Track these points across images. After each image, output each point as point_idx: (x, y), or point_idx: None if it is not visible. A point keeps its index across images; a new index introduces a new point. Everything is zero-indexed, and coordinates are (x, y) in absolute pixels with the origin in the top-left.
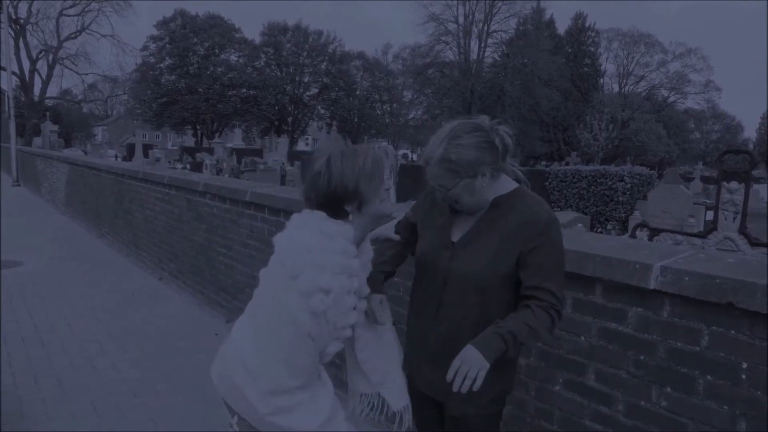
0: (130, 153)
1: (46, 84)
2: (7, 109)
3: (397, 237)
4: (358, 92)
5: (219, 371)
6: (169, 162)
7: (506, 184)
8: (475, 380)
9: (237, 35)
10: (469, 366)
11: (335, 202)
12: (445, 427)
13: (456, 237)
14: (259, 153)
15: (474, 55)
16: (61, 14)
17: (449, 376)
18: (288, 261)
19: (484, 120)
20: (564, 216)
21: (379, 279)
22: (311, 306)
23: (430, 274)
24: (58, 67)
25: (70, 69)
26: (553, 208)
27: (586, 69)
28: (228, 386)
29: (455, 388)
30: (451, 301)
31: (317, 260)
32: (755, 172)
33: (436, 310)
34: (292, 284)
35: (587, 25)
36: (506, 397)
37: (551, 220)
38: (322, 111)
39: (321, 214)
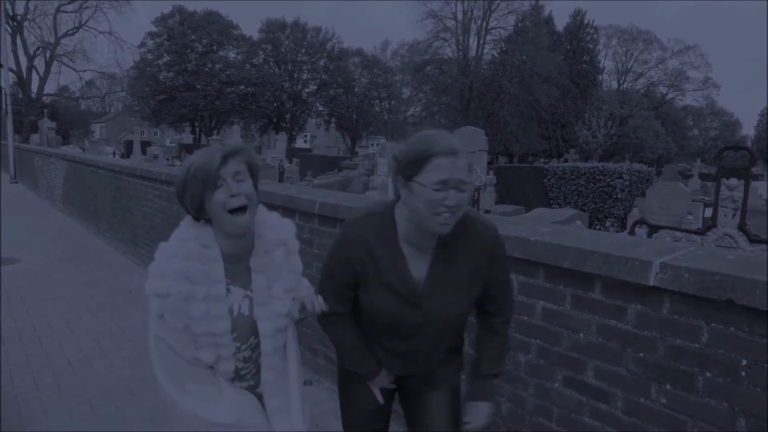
0: (128, 150)
1: (43, 81)
2: (4, 106)
3: (324, 306)
4: (356, 89)
5: None
6: (167, 159)
7: None
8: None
9: (235, 32)
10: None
11: (184, 206)
12: (411, 398)
13: (417, 280)
14: (257, 150)
15: (473, 52)
16: (58, 11)
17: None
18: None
19: None
20: (562, 213)
21: (370, 363)
22: (153, 309)
23: (396, 325)
24: (55, 64)
25: (68, 66)
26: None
27: (584, 66)
28: None
29: None
30: (429, 343)
31: (159, 267)
32: (754, 169)
33: (414, 353)
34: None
35: (586, 22)
36: None
37: (495, 230)
38: (321, 108)
39: (186, 219)
